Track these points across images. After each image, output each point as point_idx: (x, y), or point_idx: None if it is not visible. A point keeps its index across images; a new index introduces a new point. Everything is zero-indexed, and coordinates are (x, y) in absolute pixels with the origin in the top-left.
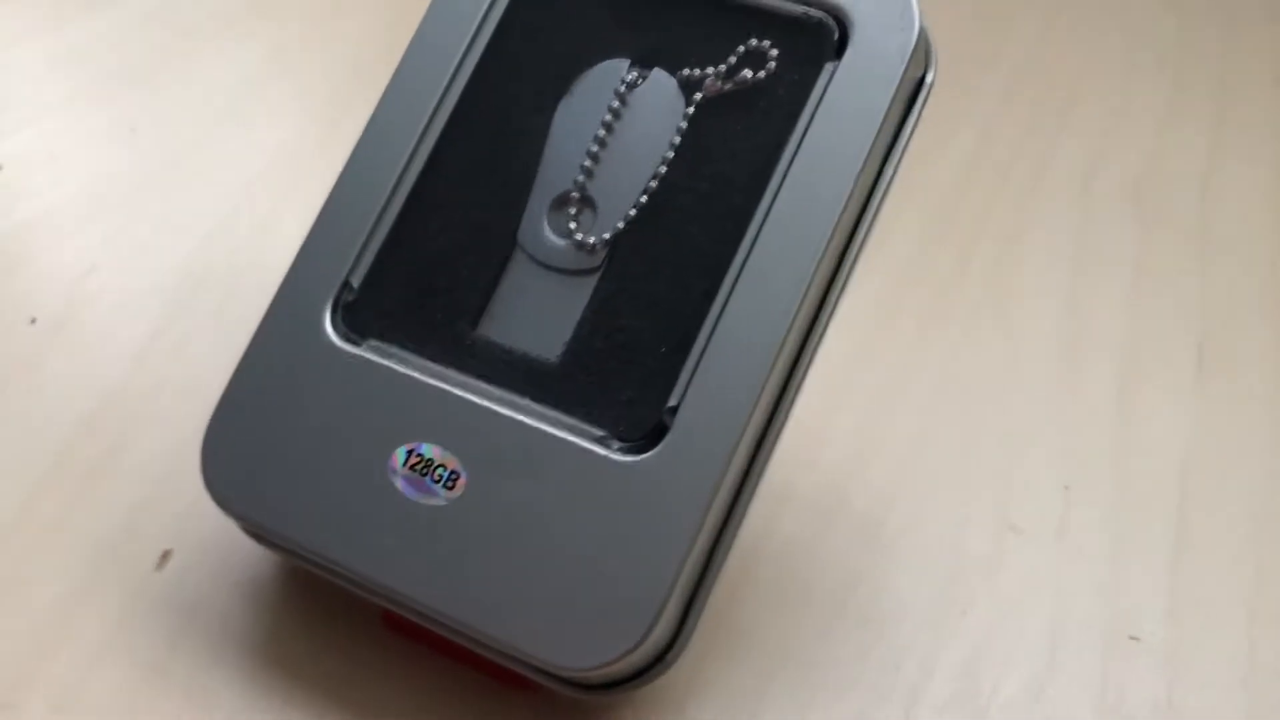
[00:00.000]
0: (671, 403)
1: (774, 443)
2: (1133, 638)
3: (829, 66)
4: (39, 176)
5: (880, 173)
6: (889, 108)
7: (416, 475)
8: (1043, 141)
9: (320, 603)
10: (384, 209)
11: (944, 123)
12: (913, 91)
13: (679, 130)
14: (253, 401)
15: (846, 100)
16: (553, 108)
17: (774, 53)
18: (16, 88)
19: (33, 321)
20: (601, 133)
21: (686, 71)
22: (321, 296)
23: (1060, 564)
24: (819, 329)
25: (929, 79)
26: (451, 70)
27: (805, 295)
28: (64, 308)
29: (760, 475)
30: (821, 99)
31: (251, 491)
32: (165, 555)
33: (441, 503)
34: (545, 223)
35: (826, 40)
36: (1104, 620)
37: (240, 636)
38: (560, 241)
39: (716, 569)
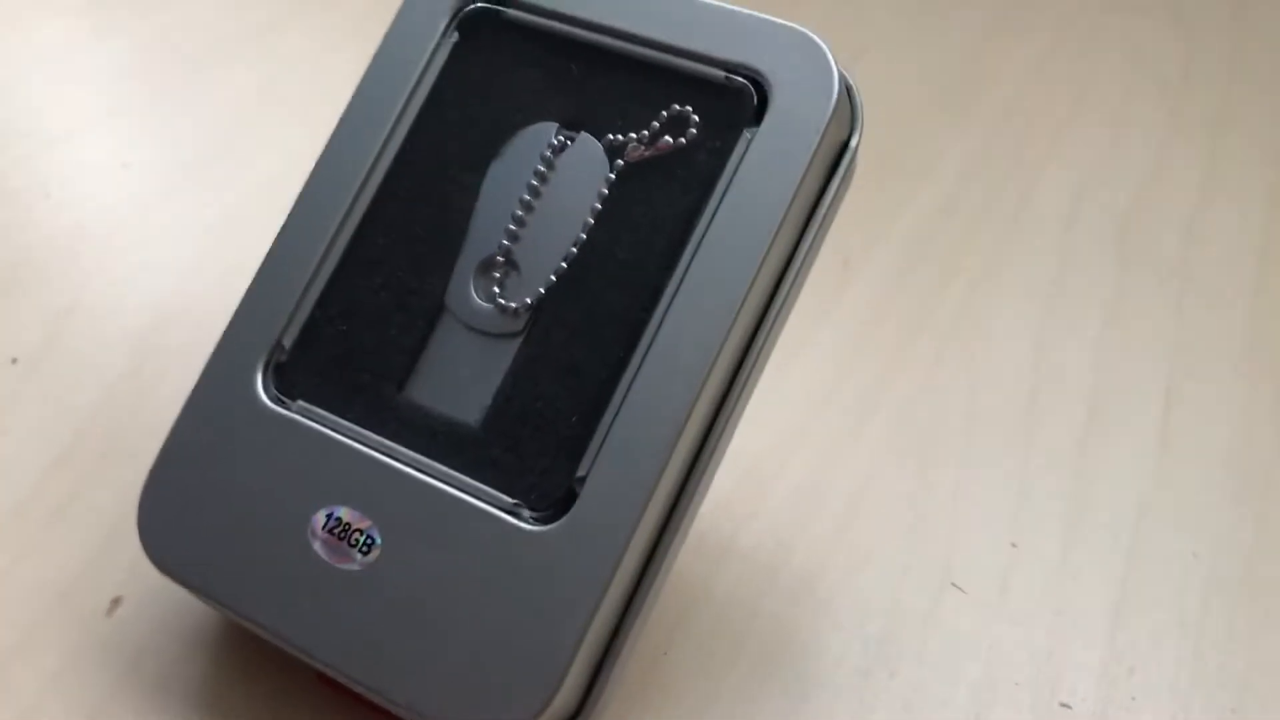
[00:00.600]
0: (580, 472)
1: (692, 508)
2: (1064, 705)
3: (747, 133)
4: (36, 210)
5: (800, 239)
6: (804, 174)
7: (335, 539)
8: (1030, 171)
9: (259, 655)
10: (318, 267)
11: (929, 150)
12: (835, 155)
13: (600, 196)
14: (187, 460)
15: (762, 167)
16: (485, 167)
17: (695, 118)
18: (16, 117)
19: (14, 361)
20: (527, 196)
21: (611, 136)
22: (255, 356)
23: (997, 625)
24: (735, 397)
25: (853, 142)
26: (389, 126)
27: (714, 364)
28: (43, 345)
29: (677, 540)
30: (739, 166)
31: (184, 551)
32: (115, 602)
33: (357, 568)
34: (472, 285)
35: (745, 106)
36: (1035, 685)
37: (180, 686)
38: (485, 305)
39: (630, 632)
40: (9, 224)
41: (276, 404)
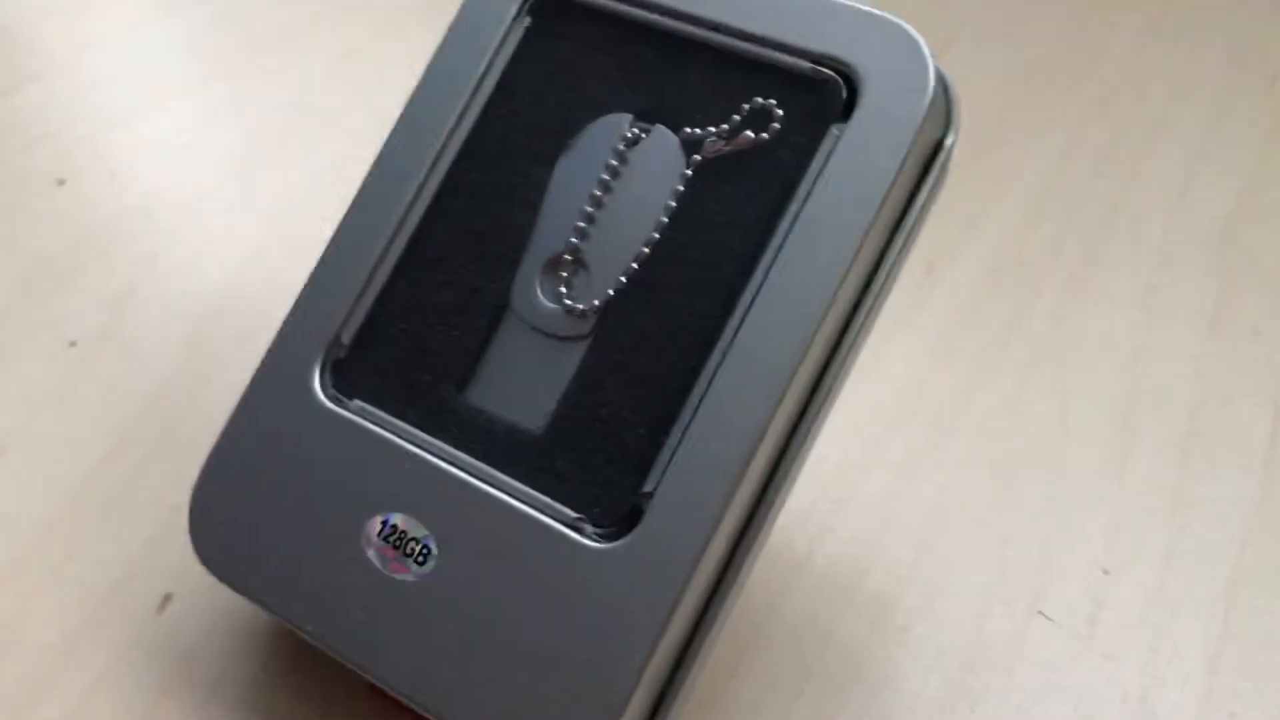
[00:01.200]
0: (647, 488)
1: (765, 528)
2: None
3: (835, 129)
4: (101, 189)
5: (889, 244)
6: (896, 176)
7: (390, 547)
8: (1125, 169)
9: (310, 660)
10: (379, 262)
11: (1017, 146)
12: (929, 155)
13: (675, 193)
14: (240, 458)
15: (851, 167)
16: (554, 160)
17: (779, 113)
18: (80, 97)
19: (72, 344)
20: (599, 192)
21: (688, 130)
22: (313, 352)
23: (1087, 659)
24: (814, 412)
25: (948, 141)
26: (455, 115)
27: (793, 377)
28: (102, 329)
29: (749, 561)
30: (825, 165)
31: (235, 553)
32: (166, 599)
33: (411, 579)
34: (538, 284)
35: (834, 100)
36: None
37: (230, 691)
38: (551, 305)
39: (697, 656)
40: (71, 204)
41: (334, 403)
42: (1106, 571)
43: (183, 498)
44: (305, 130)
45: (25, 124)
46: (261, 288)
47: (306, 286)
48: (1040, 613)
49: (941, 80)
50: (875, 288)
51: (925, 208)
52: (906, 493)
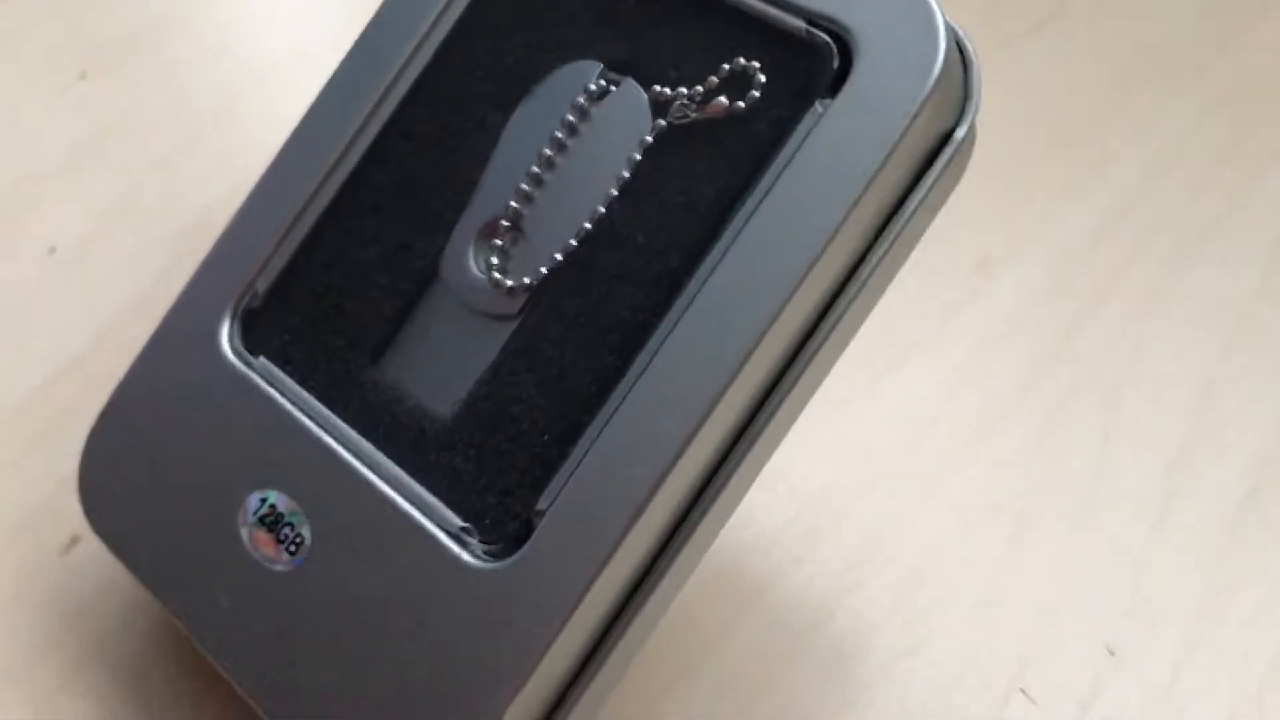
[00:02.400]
0: (541, 505)
1: (685, 559)
2: None
3: (819, 105)
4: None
5: (869, 249)
6: (877, 171)
7: (264, 529)
8: (1236, 180)
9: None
10: (308, 203)
11: (1113, 135)
12: (933, 148)
13: (631, 162)
14: (137, 410)
15: (830, 153)
16: (510, 109)
17: (761, 79)
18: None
19: (51, 251)
20: (550, 150)
21: (659, 88)
22: (226, 299)
23: None
24: (755, 434)
25: (959, 133)
26: (414, 45)
27: (724, 392)
28: (85, 238)
29: (664, 592)
30: (800, 147)
31: (118, 515)
32: (74, 540)
33: (280, 568)
34: (471, 251)
35: (823, 70)
36: None
37: (109, 656)
38: (481, 277)
39: (584, 698)
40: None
41: (238, 358)
42: (1112, 653)
43: None
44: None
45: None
46: None
47: (230, 225)
48: (1022, 691)
49: (959, 58)
50: (847, 296)
51: (924, 208)
52: (897, 528)
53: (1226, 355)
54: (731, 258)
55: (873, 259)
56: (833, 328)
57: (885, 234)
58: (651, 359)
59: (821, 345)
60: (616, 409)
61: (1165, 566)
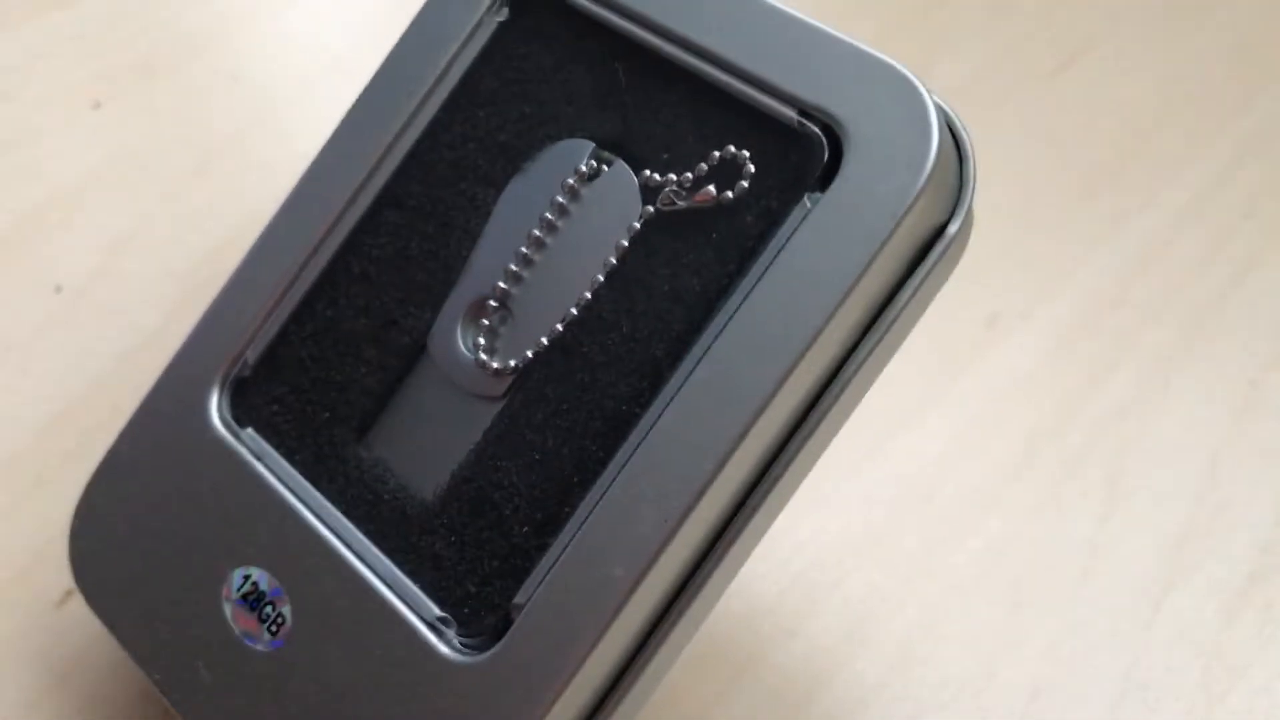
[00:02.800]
0: (519, 598)
1: (666, 653)
2: None
3: (808, 200)
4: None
5: (855, 346)
6: (863, 271)
7: (245, 607)
8: (1269, 230)
9: None
10: (300, 271)
11: (1133, 190)
12: (925, 243)
13: (619, 248)
14: (126, 474)
15: (817, 250)
16: (501, 185)
17: (750, 169)
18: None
19: (58, 290)
20: (539, 231)
21: (649, 173)
22: (215, 366)
23: None
24: (740, 527)
25: (951, 229)
26: (408, 114)
27: (704, 491)
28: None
29: (644, 686)
30: (788, 241)
31: (105, 579)
32: (68, 594)
33: (260, 648)
34: (459, 329)
35: (813, 161)
36: None
37: (100, 711)
38: (468, 356)
39: None
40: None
41: (226, 429)
42: None
43: None
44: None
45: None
46: None
47: (222, 292)
48: None
49: (954, 147)
50: (832, 392)
51: (912, 305)
52: (891, 600)
53: (1235, 427)
54: (716, 351)
55: (859, 355)
56: (819, 421)
57: (873, 330)
58: (634, 451)
59: (807, 439)
60: (598, 502)
61: (1164, 650)
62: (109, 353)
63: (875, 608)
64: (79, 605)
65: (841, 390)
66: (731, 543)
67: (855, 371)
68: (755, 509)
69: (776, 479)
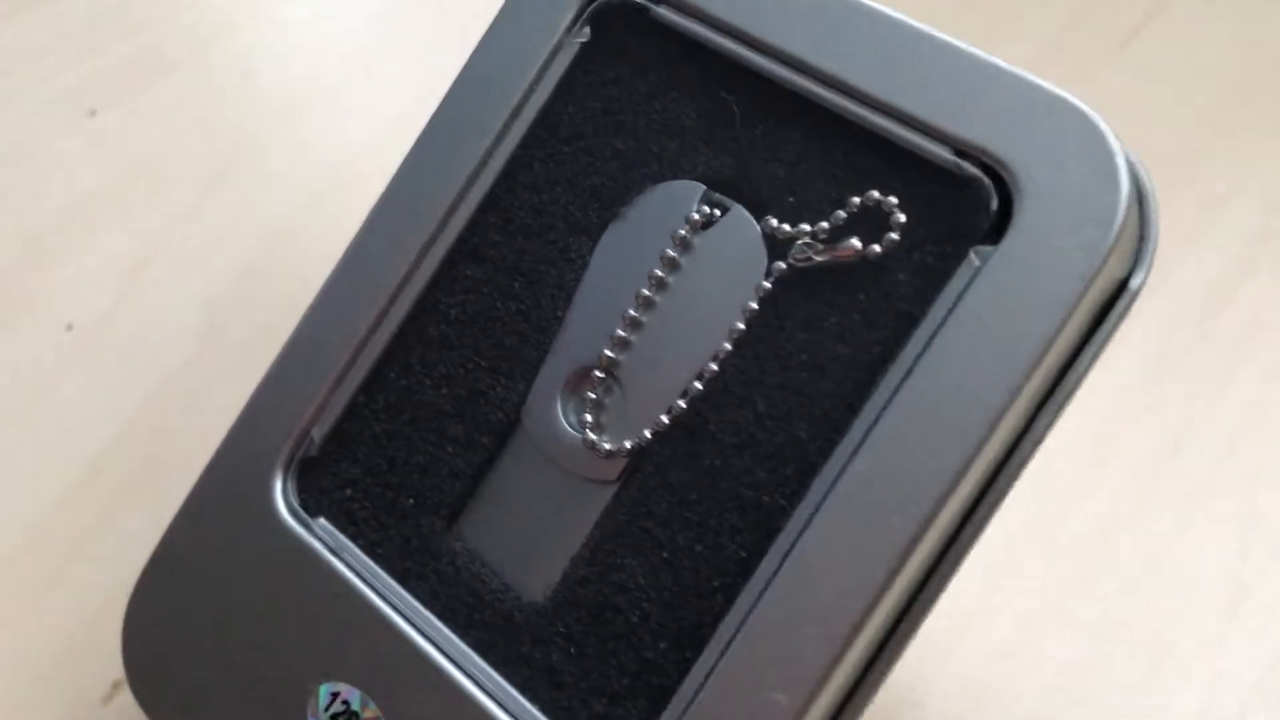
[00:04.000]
0: None
1: None
2: None
3: (974, 255)
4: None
5: (1032, 421)
6: (1053, 338)
7: None
8: None
9: None
10: (369, 336)
11: (1229, 171)
12: (1107, 299)
13: (746, 311)
14: (183, 568)
15: (993, 313)
16: (596, 233)
17: (900, 218)
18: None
19: (69, 328)
20: (649, 290)
21: (775, 222)
22: (277, 447)
23: None
24: (898, 642)
25: (1135, 283)
26: (483, 153)
27: (874, 605)
28: (102, 316)
29: None
30: (957, 305)
31: (164, 684)
32: (116, 687)
33: None
34: (559, 402)
35: (978, 212)
36: None
37: None
38: (572, 434)
39: None
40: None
41: (294, 519)
42: None
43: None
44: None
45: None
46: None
47: (280, 356)
48: None
49: (1137, 195)
50: (1007, 474)
51: (1089, 369)
52: (1017, 663)
53: None
54: (880, 436)
55: (1037, 429)
56: (992, 506)
57: (1051, 400)
58: (786, 555)
59: (980, 526)
60: (748, 614)
61: None
62: (134, 395)
63: (999, 674)
64: (128, 700)
65: (1018, 469)
66: (896, 651)
67: (1032, 448)
68: (922, 611)
69: (945, 577)
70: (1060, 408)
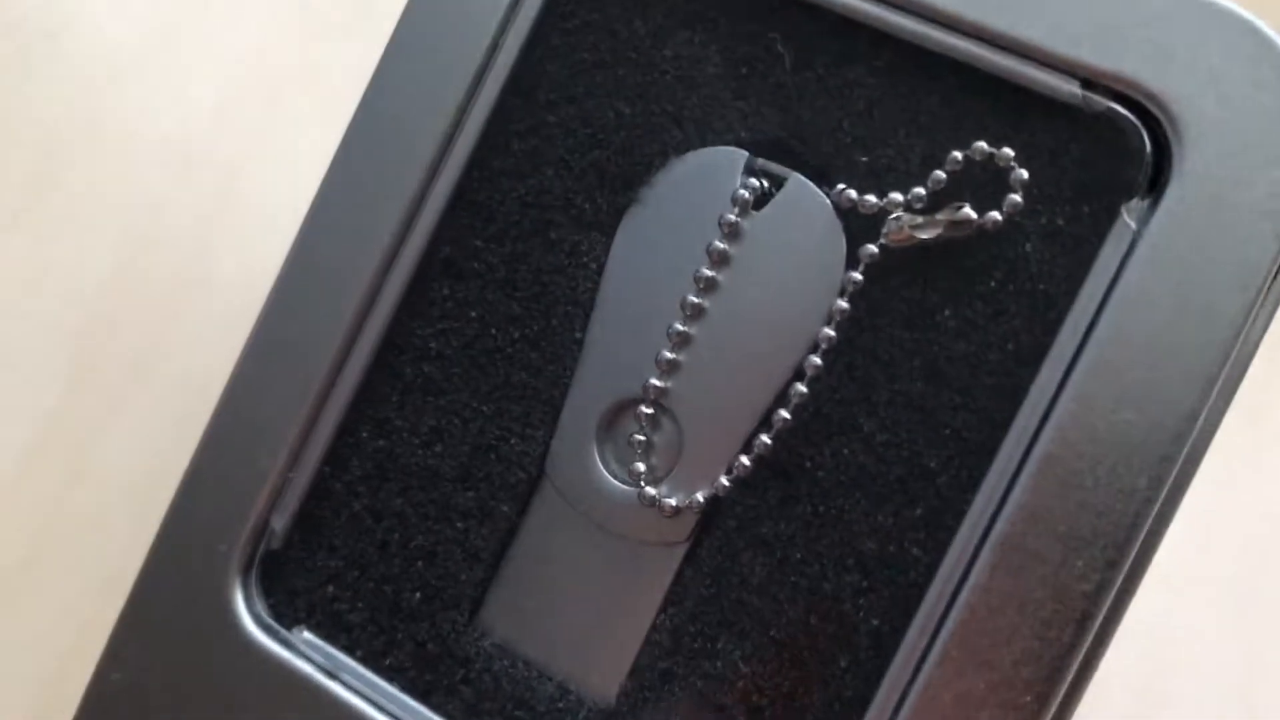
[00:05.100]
0: None
1: None
2: None
3: (1126, 214)
4: None
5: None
6: (1252, 310)
7: None
8: None
9: None
10: (324, 393)
11: None
12: None
13: (833, 312)
14: (125, 696)
15: (1167, 287)
16: (609, 226)
17: (1021, 174)
18: None
19: None
20: (695, 295)
21: (853, 192)
22: (226, 544)
23: None
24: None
25: None
26: (443, 133)
27: (1055, 691)
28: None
29: None
30: (1116, 280)
31: None
32: None
33: None
34: (595, 447)
35: (1125, 159)
36: None
37: None
38: (617, 485)
39: None
40: None
41: (266, 633)
42: None
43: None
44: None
45: None
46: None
47: (211, 427)
48: None
49: None
50: (1179, 487)
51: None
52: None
53: None
54: (1045, 464)
55: (1212, 419)
56: (1157, 531)
57: (1223, 389)
58: (940, 623)
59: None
60: (901, 701)
61: None
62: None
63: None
64: None
65: (1190, 469)
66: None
67: (1205, 443)
68: (1096, 655)
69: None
70: (1231, 393)
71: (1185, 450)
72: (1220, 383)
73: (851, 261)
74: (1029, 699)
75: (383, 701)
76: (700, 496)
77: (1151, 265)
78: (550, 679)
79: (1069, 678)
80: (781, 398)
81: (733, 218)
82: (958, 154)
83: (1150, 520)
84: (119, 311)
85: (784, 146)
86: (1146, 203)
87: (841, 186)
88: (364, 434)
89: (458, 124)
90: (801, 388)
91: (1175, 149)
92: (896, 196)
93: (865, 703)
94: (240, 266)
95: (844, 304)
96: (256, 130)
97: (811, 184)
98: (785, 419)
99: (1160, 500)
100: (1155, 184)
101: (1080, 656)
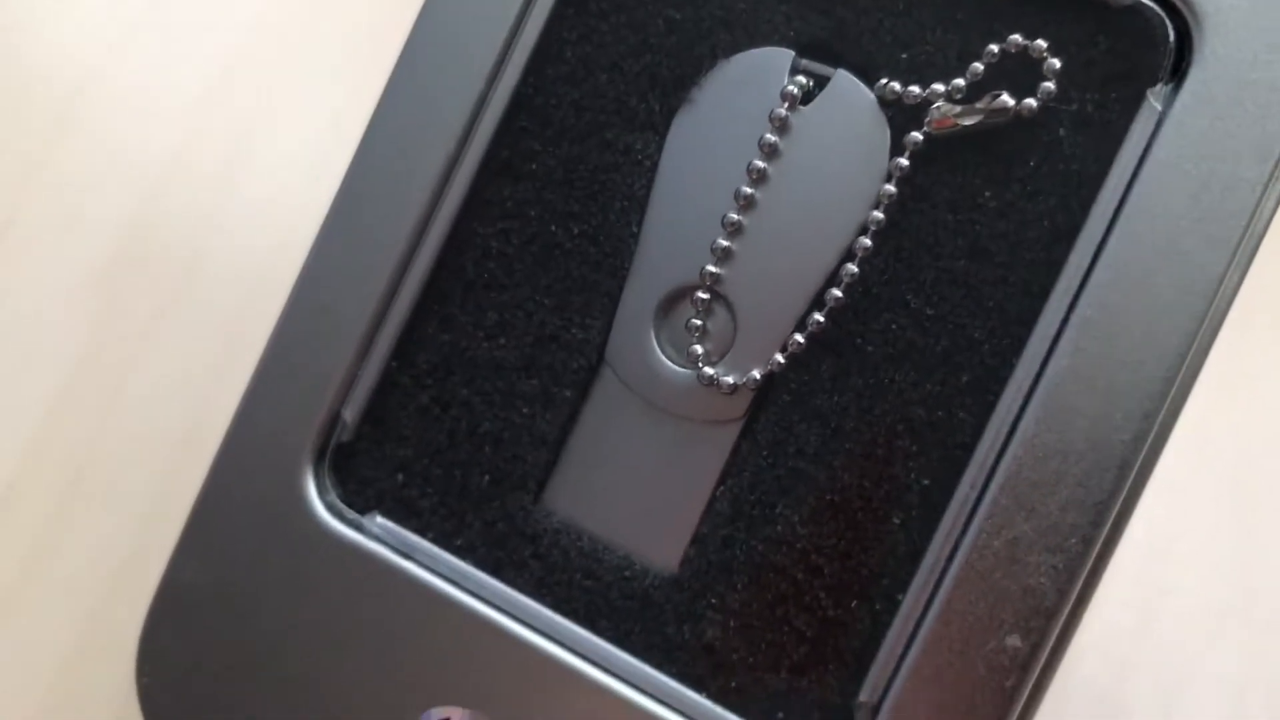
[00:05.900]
0: (863, 695)
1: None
2: None
3: (1154, 98)
4: None
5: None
6: (1264, 192)
7: None
8: None
9: None
10: (394, 289)
11: None
12: None
13: (881, 196)
14: (199, 605)
15: (1193, 161)
16: (662, 126)
17: (1054, 64)
18: None
19: None
20: (748, 186)
21: (890, 84)
22: (299, 437)
23: None
24: (1103, 561)
25: None
26: (503, 39)
27: (1095, 541)
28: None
29: None
30: (1144, 158)
31: None
32: None
33: None
34: (652, 334)
35: (1149, 46)
36: None
37: None
38: (675, 369)
39: None
40: None
41: (339, 519)
42: None
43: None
44: None
45: None
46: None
47: (278, 330)
48: None
49: None
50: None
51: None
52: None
53: None
54: (1084, 328)
55: (1228, 286)
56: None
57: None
58: (989, 477)
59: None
60: (953, 553)
61: None
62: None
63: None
64: None
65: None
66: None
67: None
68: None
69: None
70: (1246, 268)
71: (1211, 308)
72: (1240, 246)
73: (897, 150)
74: (1074, 541)
75: (456, 578)
76: (756, 374)
77: (1176, 144)
78: (614, 551)
79: (1110, 520)
80: (833, 278)
81: (783, 113)
82: (994, 47)
83: (1182, 373)
84: (149, 246)
85: (827, 47)
86: (1170, 87)
87: (885, 80)
88: (429, 331)
89: (514, 32)
90: (853, 267)
91: (1196, 36)
92: (938, 87)
93: (919, 555)
94: (267, 200)
95: (891, 188)
96: (288, 59)
97: (855, 79)
98: (838, 297)
99: (1190, 354)
100: (1178, 70)
101: (1120, 501)
